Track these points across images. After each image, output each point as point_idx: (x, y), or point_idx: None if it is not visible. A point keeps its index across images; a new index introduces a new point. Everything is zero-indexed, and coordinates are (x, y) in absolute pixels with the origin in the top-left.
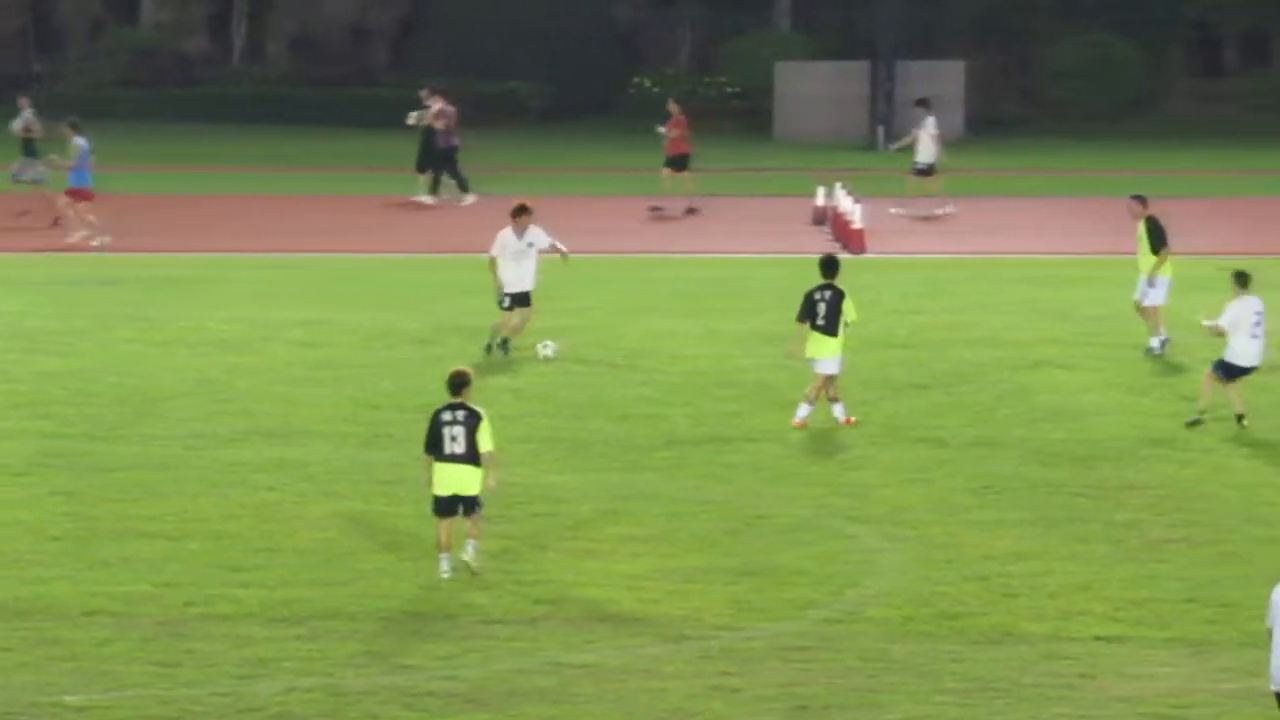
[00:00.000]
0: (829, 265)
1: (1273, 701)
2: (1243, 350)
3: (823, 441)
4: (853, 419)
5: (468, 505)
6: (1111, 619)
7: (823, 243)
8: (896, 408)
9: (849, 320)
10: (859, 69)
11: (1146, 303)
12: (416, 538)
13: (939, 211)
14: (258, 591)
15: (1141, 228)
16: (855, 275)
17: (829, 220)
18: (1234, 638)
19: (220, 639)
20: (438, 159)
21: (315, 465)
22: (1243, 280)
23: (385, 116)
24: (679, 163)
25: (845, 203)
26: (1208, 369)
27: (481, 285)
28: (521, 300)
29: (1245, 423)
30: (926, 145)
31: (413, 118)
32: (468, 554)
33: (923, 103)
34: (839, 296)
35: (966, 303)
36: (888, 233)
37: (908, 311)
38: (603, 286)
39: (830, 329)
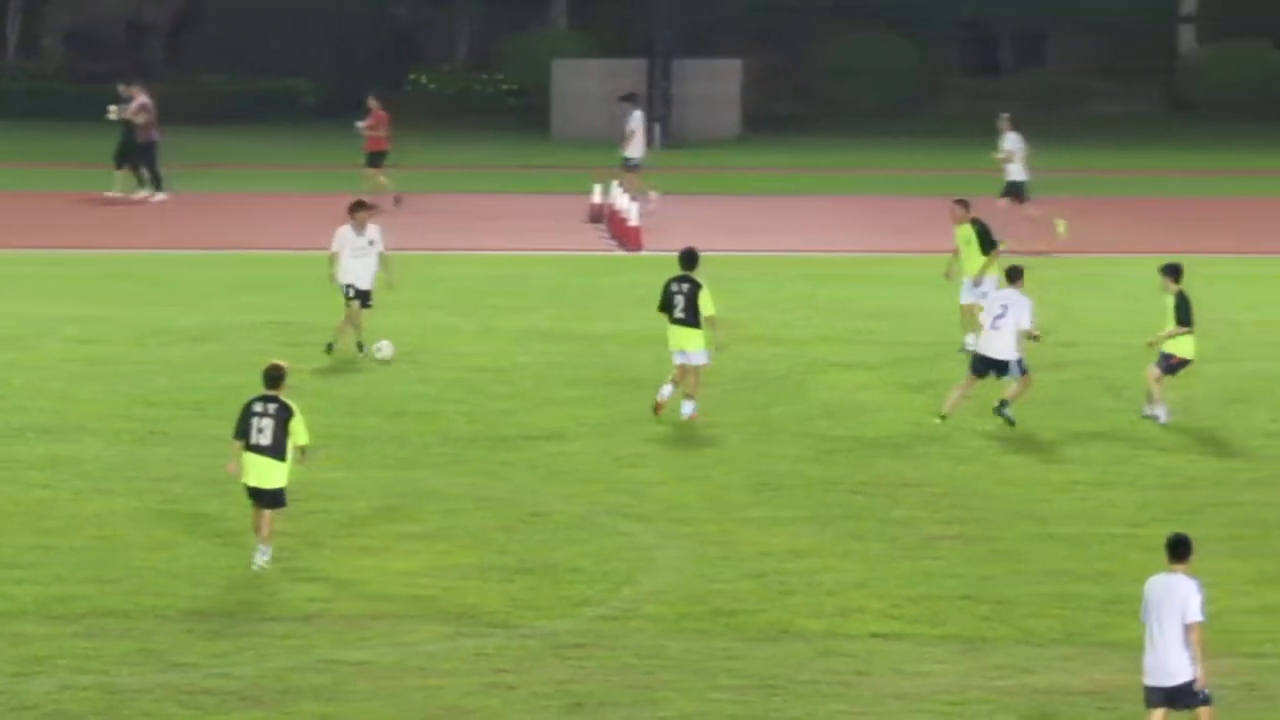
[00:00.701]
0: (688, 258)
1: (1045, 700)
2: (984, 340)
3: (600, 439)
4: (663, 410)
5: (268, 499)
6: (887, 616)
7: (598, 240)
8: (674, 404)
9: (708, 314)
10: (636, 67)
11: (971, 300)
12: (192, 535)
13: (624, 205)
14: (32, 589)
15: (968, 230)
16: (632, 273)
17: (605, 218)
18: (1008, 635)
19: None
20: (137, 153)
21: (90, 462)
22: (1009, 275)
23: (159, 112)
24: (377, 159)
25: (621, 200)
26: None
27: (258, 281)
28: (361, 299)
29: (1008, 412)
30: (632, 140)
31: (112, 111)
32: (258, 560)
33: (629, 98)
34: (696, 288)
35: (745, 300)
36: (664, 230)
37: None
38: (380, 283)
39: (690, 321)
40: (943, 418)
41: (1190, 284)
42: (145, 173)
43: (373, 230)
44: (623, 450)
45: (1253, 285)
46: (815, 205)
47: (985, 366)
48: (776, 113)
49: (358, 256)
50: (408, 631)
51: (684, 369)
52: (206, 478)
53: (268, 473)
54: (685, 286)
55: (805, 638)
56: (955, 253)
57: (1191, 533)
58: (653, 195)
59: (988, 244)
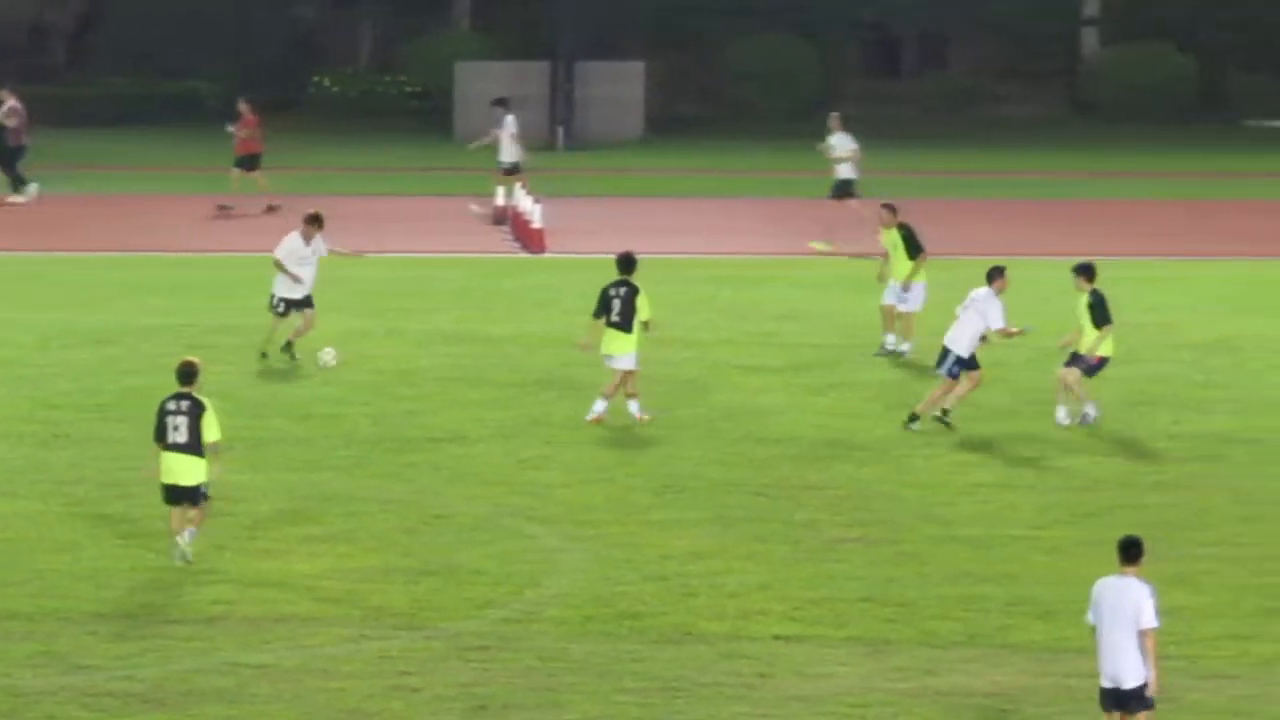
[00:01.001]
0: (625, 262)
1: (950, 701)
2: (950, 333)
3: (503, 441)
4: (647, 416)
5: (189, 495)
6: (790, 618)
7: (502, 242)
8: (577, 407)
9: (645, 318)
10: (538, 69)
11: (903, 308)
12: (95, 538)
13: (528, 207)
14: None
15: (895, 235)
16: (535, 275)
17: (509, 220)
18: (911, 637)
19: None
20: (4, 156)
21: None
22: (986, 275)
23: (62, 115)
24: (249, 162)
25: (525, 203)
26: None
27: (160, 283)
28: (300, 304)
29: (915, 426)
30: (507, 144)
31: None
32: (183, 540)
33: (501, 102)
34: (633, 293)
35: (649, 303)
36: (567, 232)
37: (587, 311)
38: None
39: (624, 325)
40: (944, 411)
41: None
42: (12, 175)
43: (318, 240)
44: (526, 452)
45: (1155, 287)
46: (718, 207)
47: (945, 363)
48: (679, 115)
49: (302, 266)
50: (311, 634)
51: (625, 375)
52: (109, 480)
53: (186, 470)
54: (623, 290)
55: (708, 640)
56: (885, 256)
57: (1095, 535)
58: (474, 206)
59: (914, 248)
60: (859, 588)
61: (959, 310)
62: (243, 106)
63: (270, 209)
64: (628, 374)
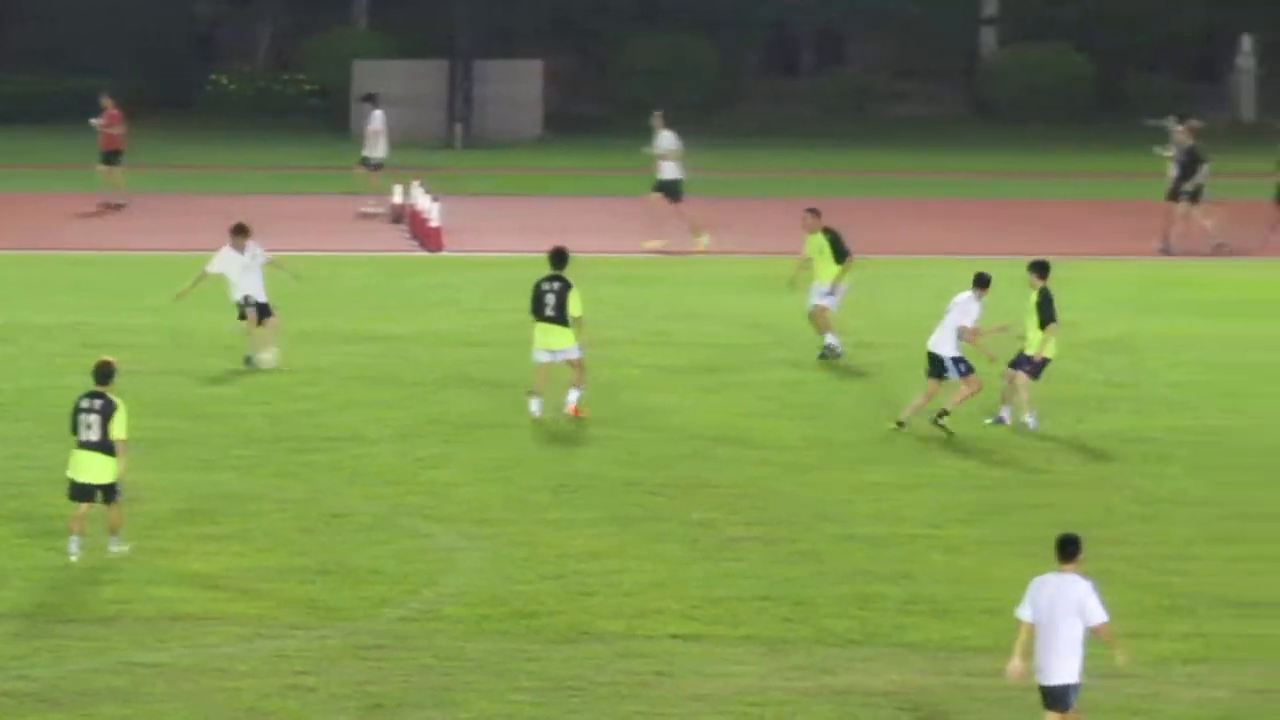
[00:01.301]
0: (558, 257)
1: (846, 699)
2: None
3: (401, 440)
4: (543, 414)
5: (104, 493)
6: (687, 617)
7: (399, 240)
8: (475, 405)
9: (576, 314)
10: (436, 68)
11: (822, 303)
12: None
13: (372, 209)
14: None
15: (820, 239)
16: (433, 273)
17: (406, 218)
18: (808, 635)
19: None
20: None
21: None
22: (973, 280)
23: None
24: (111, 158)
25: (423, 201)
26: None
27: (58, 282)
28: (263, 310)
29: (944, 422)
30: (372, 140)
31: None
32: (113, 549)
33: (369, 98)
34: (566, 287)
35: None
36: (465, 231)
37: (485, 310)
38: (178, 285)
39: (560, 318)
40: (899, 424)
41: (996, 287)
42: None
43: (252, 246)
44: (424, 452)
45: (1054, 286)
46: (616, 206)
47: (929, 362)
48: (577, 113)
49: (249, 272)
50: (206, 633)
51: (544, 369)
52: (6, 479)
53: (99, 468)
54: (556, 285)
55: (605, 639)
56: (805, 260)
57: (993, 534)
58: (370, 203)
59: (840, 251)
60: (756, 586)
61: (944, 317)
62: (106, 101)
63: (112, 207)
64: (570, 363)
